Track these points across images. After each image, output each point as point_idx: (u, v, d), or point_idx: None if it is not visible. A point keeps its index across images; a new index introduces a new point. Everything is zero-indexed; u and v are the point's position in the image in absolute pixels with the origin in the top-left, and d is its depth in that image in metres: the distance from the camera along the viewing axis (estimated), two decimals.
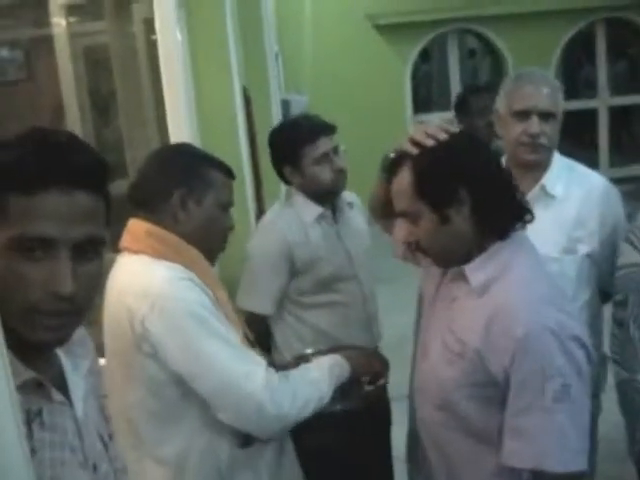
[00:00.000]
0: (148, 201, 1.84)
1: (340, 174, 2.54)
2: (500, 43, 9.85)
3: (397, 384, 2.28)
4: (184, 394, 1.73)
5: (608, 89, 10.29)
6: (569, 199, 2.34)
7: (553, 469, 1.51)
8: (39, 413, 1.09)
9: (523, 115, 2.28)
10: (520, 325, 1.53)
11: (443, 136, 1.65)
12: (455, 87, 10.02)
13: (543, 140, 2.28)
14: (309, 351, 2.22)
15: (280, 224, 2.57)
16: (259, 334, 2.42)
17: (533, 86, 2.31)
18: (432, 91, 12.36)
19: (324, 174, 2.50)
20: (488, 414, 1.61)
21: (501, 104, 2.37)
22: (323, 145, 2.50)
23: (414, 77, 10.24)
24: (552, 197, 2.33)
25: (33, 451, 1.04)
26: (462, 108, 3.66)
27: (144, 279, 1.73)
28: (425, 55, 11.20)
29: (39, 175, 1.06)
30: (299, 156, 2.50)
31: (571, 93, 10.34)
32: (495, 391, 1.58)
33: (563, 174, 2.36)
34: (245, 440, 1.79)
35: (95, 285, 1.16)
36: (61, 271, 1.06)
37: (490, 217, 1.63)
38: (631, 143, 11.27)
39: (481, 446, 1.64)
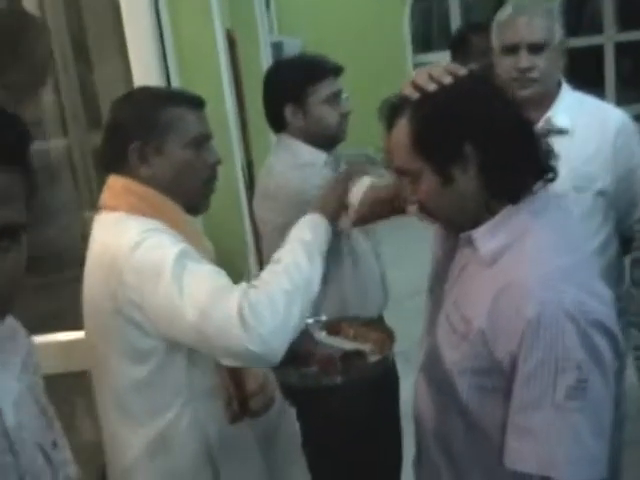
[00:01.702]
0: (110, 163, 1.71)
1: (345, 119, 2.35)
2: None
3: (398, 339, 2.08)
4: (167, 361, 1.59)
5: (615, 25, 9.97)
6: (578, 132, 2.18)
7: (562, 477, 1.26)
8: None
9: (512, 49, 2.15)
10: (531, 303, 1.28)
11: (448, 80, 1.39)
12: (456, 25, 9.70)
13: (534, 74, 2.15)
14: (309, 321, 2.01)
15: (294, 169, 2.29)
16: None
17: (524, 17, 2.17)
18: (432, 30, 11.99)
19: (331, 116, 2.30)
20: (492, 408, 1.38)
21: (494, 40, 2.23)
22: (332, 85, 2.31)
23: (412, 16, 9.93)
24: (559, 130, 2.16)
25: None
26: (460, 47, 3.40)
27: (119, 236, 1.57)
28: None
29: None
30: (306, 93, 2.28)
31: (576, 29, 10.03)
32: (500, 380, 1.35)
33: (572, 107, 2.21)
34: (234, 415, 1.66)
35: (14, 277, 0.96)
36: None
37: (501, 177, 1.38)
38: (638, 80, 10.96)
39: (485, 443, 1.41)
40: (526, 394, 1.29)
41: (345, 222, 2.04)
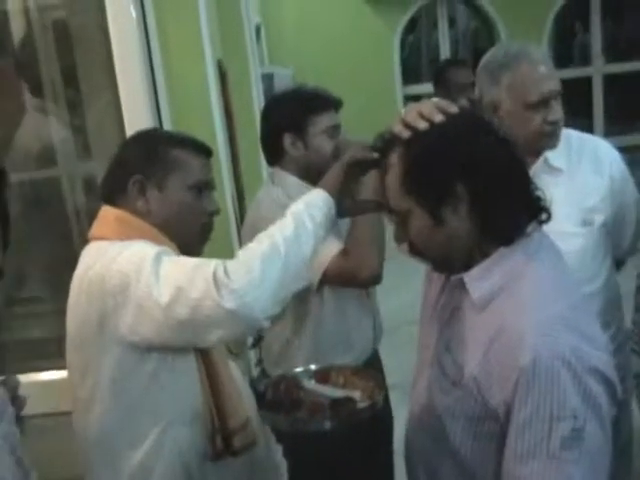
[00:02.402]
0: (109, 194, 1.71)
1: (339, 153, 2.30)
2: (490, 9, 9.57)
3: (393, 370, 2.05)
4: (150, 385, 1.56)
5: (603, 56, 10.05)
6: (574, 168, 2.16)
7: None
8: None
9: (540, 104, 2.01)
10: (526, 350, 1.23)
11: (439, 118, 1.35)
12: (445, 57, 9.76)
13: (562, 122, 2.06)
14: (296, 370, 1.97)
15: (274, 209, 2.24)
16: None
17: (536, 68, 2.03)
18: (421, 62, 12.09)
19: (329, 147, 2.27)
20: (486, 454, 1.33)
21: (504, 98, 2.05)
22: (332, 118, 2.30)
23: (402, 48, 10.02)
24: (557, 170, 2.13)
25: None
26: (441, 82, 3.44)
27: (102, 255, 1.57)
28: (413, 25, 10.91)
29: None
30: (307, 123, 2.26)
31: (565, 61, 10.11)
32: (495, 427, 1.30)
33: (564, 145, 2.15)
34: (217, 452, 1.61)
35: None
36: None
37: (493, 218, 1.34)
38: (626, 112, 11.04)
39: None
40: (520, 443, 1.24)
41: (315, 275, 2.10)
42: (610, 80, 10.14)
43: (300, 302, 2.22)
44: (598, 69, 10.05)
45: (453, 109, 1.38)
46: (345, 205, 1.63)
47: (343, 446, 2.12)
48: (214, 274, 1.44)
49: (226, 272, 1.44)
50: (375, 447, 2.42)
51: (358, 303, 2.38)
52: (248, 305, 1.43)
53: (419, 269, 1.96)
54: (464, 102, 2.03)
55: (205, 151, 1.75)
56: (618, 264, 2.33)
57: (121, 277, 1.50)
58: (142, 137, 1.80)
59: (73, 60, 2.59)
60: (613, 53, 10.26)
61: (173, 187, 1.67)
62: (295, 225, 1.52)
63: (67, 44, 2.63)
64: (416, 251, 1.42)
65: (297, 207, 1.57)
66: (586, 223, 2.10)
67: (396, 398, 2.42)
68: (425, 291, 1.65)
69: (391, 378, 2.22)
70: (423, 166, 1.33)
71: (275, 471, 1.89)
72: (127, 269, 1.50)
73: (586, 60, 10.20)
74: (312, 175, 2.27)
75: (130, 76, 2.21)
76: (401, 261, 1.71)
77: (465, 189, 1.31)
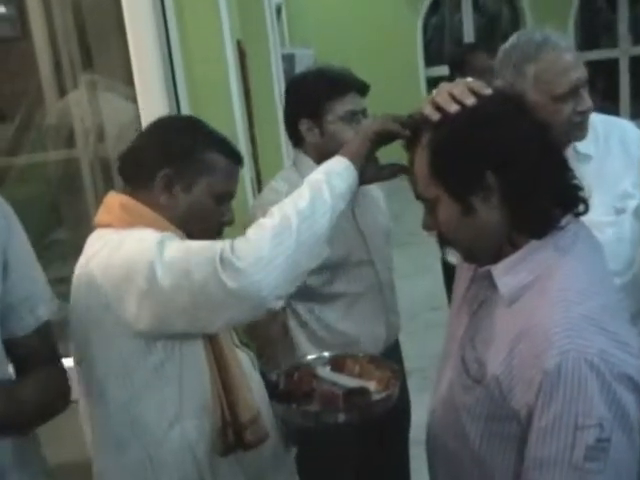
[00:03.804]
0: (132, 176, 1.64)
1: None
2: None
3: (413, 356, 2.01)
4: (158, 375, 1.52)
5: (630, 38, 9.89)
6: (603, 154, 2.07)
7: None
8: None
9: (569, 95, 1.92)
10: (552, 352, 1.15)
11: (471, 100, 1.28)
12: (469, 39, 9.67)
13: (591, 111, 1.96)
14: (310, 357, 1.92)
15: (283, 191, 2.15)
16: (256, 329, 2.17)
17: (562, 57, 1.93)
18: (444, 43, 11.96)
19: (348, 135, 2.07)
20: (506, 456, 1.27)
21: (530, 90, 1.94)
22: (352, 102, 2.17)
23: (425, 29, 9.92)
24: (587, 156, 2.04)
25: None
26: (459, 67, 3.38)
27: (104, 246, 1.52)
28: (436, 6, 10.78)
29: None
30: (323, 109, 2.15)
31: (591, 43, 9.96)
32: (516, 429, 1.23)
33: (592, 131, 2.05)
34: (227, 446, 1.56)
35: None
36: None
37: (525, 209, 1.27)
38: None
39: None
40: (541, 450, 1.18)
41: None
42: (637, 62, 9.99)
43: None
44: (625, 51, 9.90)
45: (487, 91, 1.31)
46: (368, 173, 1.53)
47: (357, 434, 2.08)
48: (221, 254, 1.39)
49: (233, 251, 1.39)
50: (392, 435, 2.37)
51: (369, 304, 2.30)
52: (255, 284, 1.37)
53: (436, 256, 1.92)
54: (499, 83, 1.92)
55: (238, 159, 1.68)
56: None
57: (124, 265, 1.45)
58: (185, 126, 1.71)
59: (87, 43, 2.56)
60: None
61: (199, 191, 1.60)
62: (311, 196, 1.43)
63: (83, 26, 2.61)
64: (445, 240, 1.36)
65: (316, 176, 1.48)
66: (619, 211, 2.02)
67: (415, 384, 2.39)
68: (456, 281, 1.59)
69: (410, 363, 2.17)
70: (451, 152, 1.26)
71: (286, 464, 1.84)
72: (130, 257, 1.46)
73: (613, 42, 10.04)
74: None
75: (146, 58, 2.16)
76: (418, 248, 1.67)
77: (496, 178, 1.25)
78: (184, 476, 1.56)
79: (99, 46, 2.52)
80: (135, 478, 1.56)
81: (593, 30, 10.87)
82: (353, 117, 2.16)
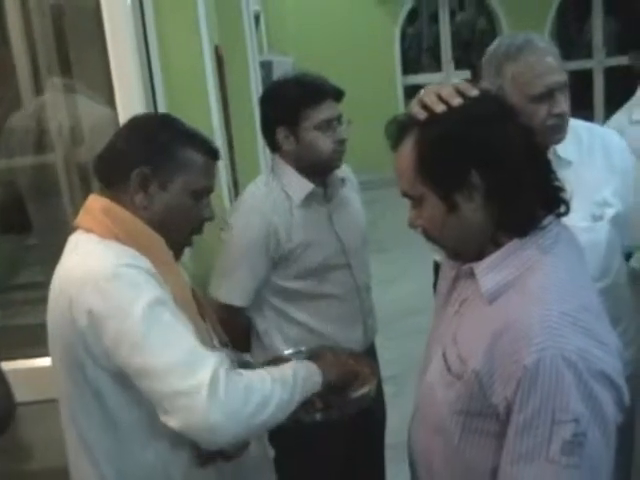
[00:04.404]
0: (107, 176, 1.64)
1: (341, 147, 2.20)
2: (493, 1, 9.53)
3: (389, 362, 2.02)
4: (126, 398, 1.50)
5: (604, 50, 10.02)
6: (585, 161, 2.08)
7: None
8: None
9: (544, 97, 1.94)
10: (531, 349, 1.18)
11: (457, 101, 1.31)
12: (446, 48, 9.74)
13: (568, 114, 1.98)
14: (287, 352, 1.93)
15: (265, 203, 2.22)
16: (238, 330, 2.18)
17: (541, 60, 1.95)
18: (421, 52, 12.05)
19: (324, 143, 2.16)
20: (485, 452, 1.28)
21: (508, 89, 1.96)
22: (328, 109, 2.18)
23: (403, 38, 9.99)
24: (567, 162, 2.04)
25: None
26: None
27: (91, 263, 1.49)
28: (413, 15, 10.86)
29: None
30: (299, 117, 2.16)
31: (566, 54, 10.08)
32: (495, 424, 1.26)
33: (570, 136, 2.06)
34: (206, 456, 1.55)
35: None
36: None
37: (508, 208, 1.29)
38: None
39: None
40: (519, 445, 1.20)
41: None
42: (611, 73, 10.12)
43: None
44: (599, 61, 10.02)
45: (473, 92, 1.34)
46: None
47: (333, 438, 2.09)
48: (214, 378, 1.39)
49: (226, 387, 1.40)
50: (367, 439, 2.39)
51: (346, 306, 2.32)
52: (226, 431, 1.39)
53: (416, 261, 1.93)
54: (486, 84, 1.93)
55: (215, 154, 1.68)
56: (627, 256, 2.26)
57: (106, 309, 1.43)
58: (156, 125, 1.69)
59: (66, 46, 2.54)
60: (614, 46, 10.25)
61: (176, 188, 1.59)
62: (291, 392, 1.52)
63: (61, 29, 2.59)
64: (430, 237, 1.39)
65: (300, 373, 1.58)
66: (596, 218, 2.03)
67: (391, 391, 2.39)
68: (440, 280, 1.62)
69: (387, 371, 2.18)
70: (438, 152, 1.29)
71: (265, 467, 1.84)
72: (115, 302, 1.43)
73: (588, 53, 10.17)
74: (306, 170, 2.22)
75: (125, 61, 2.16)
76: (399, 253, 1.69)
77: (480, 177, 1.27)
78: None
79: (78, 51, 2.50)
80: None
81: (568, 41, 11.02)
82: (329, 125, 2.18)
